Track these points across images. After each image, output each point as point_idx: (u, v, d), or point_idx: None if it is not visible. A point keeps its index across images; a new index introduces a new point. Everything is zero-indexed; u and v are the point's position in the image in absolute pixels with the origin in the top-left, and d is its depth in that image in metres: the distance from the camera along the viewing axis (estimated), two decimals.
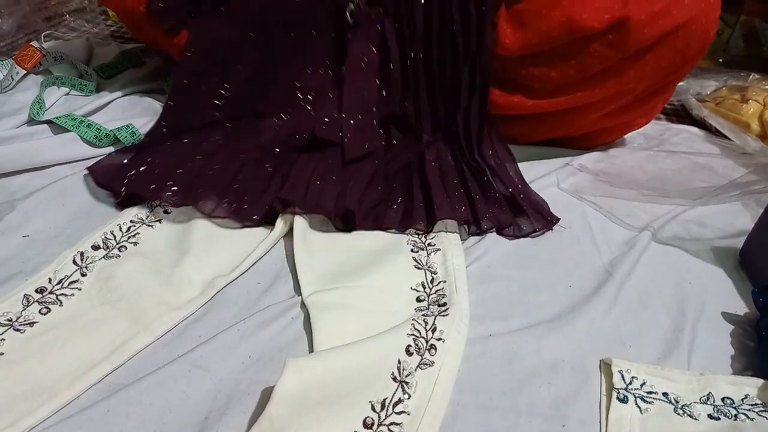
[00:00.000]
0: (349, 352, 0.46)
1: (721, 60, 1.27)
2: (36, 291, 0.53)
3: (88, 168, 0.68)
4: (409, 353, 0.48)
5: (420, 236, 0.64)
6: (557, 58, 0.68)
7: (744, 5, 1.36)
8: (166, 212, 0.64)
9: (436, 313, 0.53)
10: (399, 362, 0.47)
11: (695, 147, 0.88)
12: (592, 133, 0.80)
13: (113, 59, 0.96)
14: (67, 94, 0.86)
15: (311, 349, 0.50)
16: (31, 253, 0.58)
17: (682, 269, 0.63)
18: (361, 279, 0.58)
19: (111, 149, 0.74)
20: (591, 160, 0.81)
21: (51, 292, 0.53)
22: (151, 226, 0.63)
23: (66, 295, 0.53)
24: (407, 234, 0.65)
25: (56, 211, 0.63)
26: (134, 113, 0.82)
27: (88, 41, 1.00)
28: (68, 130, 0.74)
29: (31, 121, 0.77)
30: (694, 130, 0.93)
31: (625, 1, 0.63)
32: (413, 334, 0.50)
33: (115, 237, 0.61)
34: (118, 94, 0.86)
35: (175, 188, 0.64)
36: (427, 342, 0.50)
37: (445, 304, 0.55)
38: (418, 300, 0.56)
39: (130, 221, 0.63)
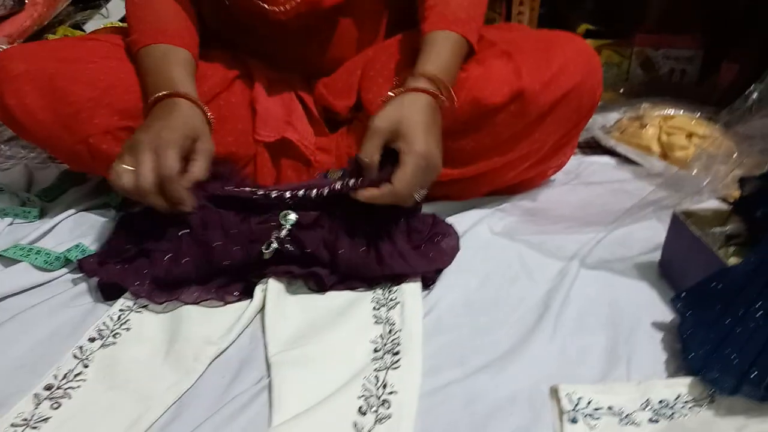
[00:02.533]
0: (303, 425, 0.51)
1: (622, 90, 1.40)
2: (44, 388, 0.57)
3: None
4: (362, 413, 0.52)
5: (384, 291, 0.69)
6: (471, 131, 0.77)
7: (634, 38, 1.51)
8: None
9: (389, 365, 0.58)
10: (355, 424, 0.51)
11: (609, 175, 0.96)
12: (515, 184, 0.89)
13: (54, 181, 0.99)
14: (11, 224, 0.88)
15: (270, 408, 0.54)
16: None
17: (612, 289, 0.70)
18: (324, 337, 0.63)
19: (65, 270, 0.76)
20: (518, 202, 0.88)
21: (58, 388, 0.57)
22: (140, 312, 0.68)
23: (73, 387, 0.57)
24: (372, 290, 0.70)
25: (17, 344, 0.64)
26: (81, 232, 0.84)
27: (26, 167, 1.03)
28: (19, 261, 0.76)
29: None
30: (605, 159, 1.02)
31: (518, 74, 0.73)
32: (363, 395, 0.54)
33: (108, 326, 0.65)
34: (64, 215, 0.88)
35: (158, 290, 0.68)
36: (378, 398, 0.54)
37: (398, 352, 0.60)
38: (375, 350, 0.61)
39: (119, 310, 0.68)
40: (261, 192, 0.70)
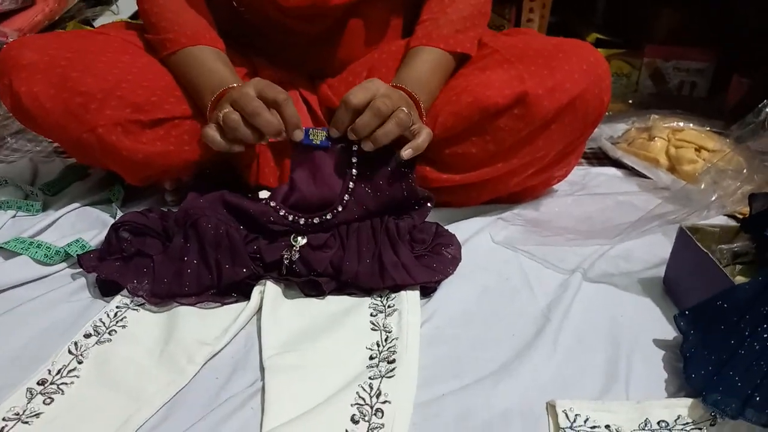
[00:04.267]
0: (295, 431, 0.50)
1: (631, 101, 1.38)
2: (38, 383, 0.57)
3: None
4: (354, 422, 0.52)
5: (382, 298, 0.69)
6: (475, 136, 0.76)
7: (644, 48, 1.50)
8: None
9: (384, 373, 0.57)
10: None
11: (615, 187, 0.95)
12: (518, 192, 0.88)
13: (58, 175, 0.99)
14: (14, 216, 0.88)
15: (262, 412, 0.53)
16: None
17: (614, 304, 0.69)
18: (319, 342, 0.62)
19: (64, 265, 0.76)
20: (521, 211, 0.87)
21: (52, 383, 0.57)
22: (136, 309, 0.67)
23: (66, 383, 0.57)
24: (371, 297, 0.69)
25: (12, 337, 0.64)
26: (83, 227, 0.84)
27: (31, 161, 1.03)
28: (19, 254, 0.75)
29: None
30: (612, 171, 1.01)
31: (522, 78, 0.72)
32: (357, 403, 0.53)
33: (104, 323, 0.65)
34: (66, 209, 0.88)
35: (155, 291, 0.68)
36: (372, 408, 0.53)
37: (393, 361, 0.59)
38: (371, 358, 0.60)
39: (116, 307, 0.67)
40: (281, 212, 0.70)
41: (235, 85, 0.72)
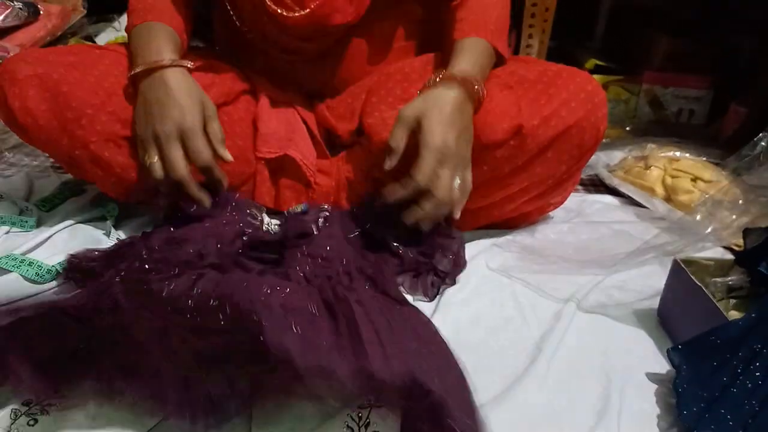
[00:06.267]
0: None
1: (629, 128, 1.39)
2: (23, 404, 0.56)
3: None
4: None
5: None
6: (474, 166, 0.75)
7: (643, 75, 1.51)
8: None
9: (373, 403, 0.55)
10: None
11: (611, 215, 0.95)
12: (514, 218, 0.88)
13: (54, 191, 0.98)
14: (8, 232, 0.87)
15: None
16: None
17: (607, 335, 0.68)
18: None
19: (55, 283, 0.75)
20: (516, 238, 0.86)
21: (37, 404, 0.56)
22: None
23: (51, 404, 0.56)
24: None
25: None
26: (75, 245, 0.83)
27: (27, 176, 1.03)
28: (9, 271, 0.75)
29: None
30: (608, 198, 1.01)
31: (518, 109, 0.73)
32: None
33: None
34: (60, 226, 0.87)
35: None
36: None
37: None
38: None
39: None
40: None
41: (165, 60, 0.72)
